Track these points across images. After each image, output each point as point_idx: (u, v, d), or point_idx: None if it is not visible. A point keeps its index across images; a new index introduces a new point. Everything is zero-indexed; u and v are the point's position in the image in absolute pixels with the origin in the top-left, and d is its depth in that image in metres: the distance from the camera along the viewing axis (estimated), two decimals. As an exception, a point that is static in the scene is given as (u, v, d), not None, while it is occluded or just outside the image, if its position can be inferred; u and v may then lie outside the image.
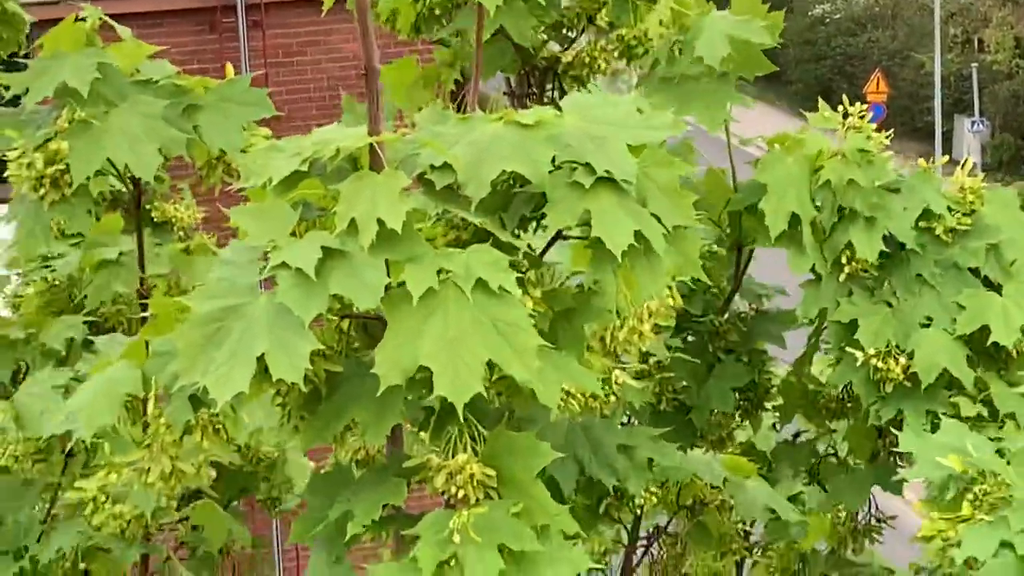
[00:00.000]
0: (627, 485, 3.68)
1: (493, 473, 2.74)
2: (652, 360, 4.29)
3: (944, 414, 3.74)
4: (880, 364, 3.81)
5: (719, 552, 4.81)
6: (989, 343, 3.84)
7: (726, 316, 4.44)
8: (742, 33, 4.06)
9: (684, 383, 4.33)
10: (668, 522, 4.88)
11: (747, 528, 5.03)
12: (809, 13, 41.85)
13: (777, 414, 4.59)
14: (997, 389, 3.84)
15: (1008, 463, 3.05)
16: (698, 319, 4.38)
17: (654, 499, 3.94)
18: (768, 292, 4.51)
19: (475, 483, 2.73)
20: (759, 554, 4.98)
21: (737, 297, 4.52)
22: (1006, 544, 2.84)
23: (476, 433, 2.76)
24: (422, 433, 2.84)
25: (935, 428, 3.66)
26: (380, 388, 2.63)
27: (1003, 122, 33.99)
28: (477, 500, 2.73)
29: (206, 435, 2.81)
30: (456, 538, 2.69)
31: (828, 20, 41.45)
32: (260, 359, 2.58)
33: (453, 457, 2.74)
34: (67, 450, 3.76)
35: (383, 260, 2.61)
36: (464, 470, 2.73)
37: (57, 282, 4.34)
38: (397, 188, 2.61)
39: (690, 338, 4.41)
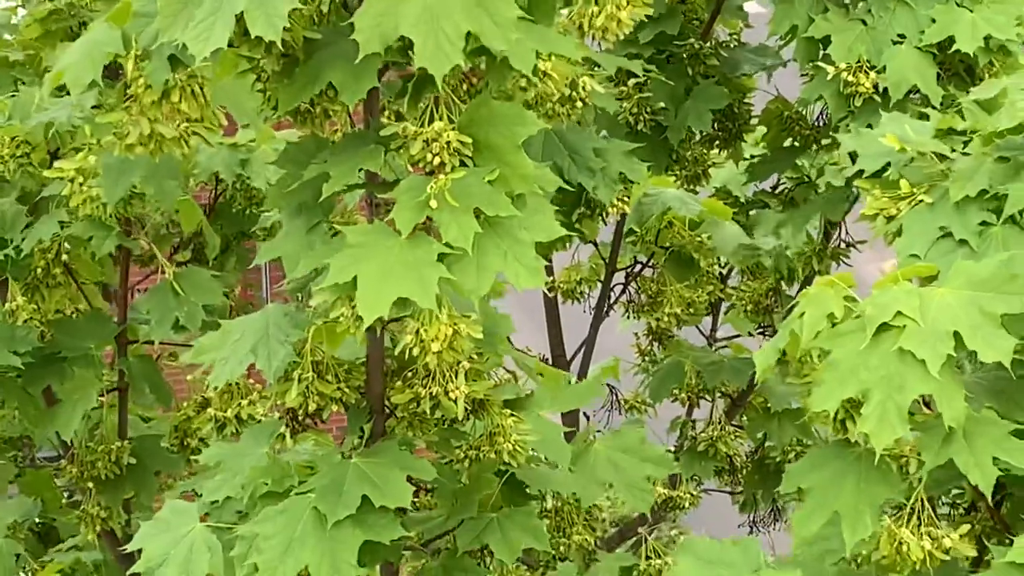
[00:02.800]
0: (598, 194, 3.77)
1: (469, 140, 2.80)
2: (632, 81, 4.34)
3: (914, 132, 3.82)
4: (851, 78, 3.88)
5: (695, 285, 4.92)
6: (960, 62, 3.91)
7: (708, 42, 4.47)
8: None
9: (662, 105, 4.38)
10: (647, 261, 4.98)
11: (723, 270, 5.14)
12: None
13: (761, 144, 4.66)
14: (967, 104, 3.90)
15: (953, 149, 3.05)
16: (678, 42, 4.41)
17: (625, 208, 4.01)
18: (746, 16, 4.53)
19: (451, 150, 2.79)
20: (732, 291, 5.10)
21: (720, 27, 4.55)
22: (945, 231, 2.86)
23: (452, 102, 2.81)
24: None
25: (904, 139, 3.73)
26: (359, 55, 2.68)
27: None
28: (453, 167, 2.80)
29: (184, 96, 2.86)
30: (433, 203, 2.76)
31: None
32: (239, 17, 2.62)
33: (430, 124, 2.80)
34: (54, 152, 3.81)
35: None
36: (441, 137, 2.79)
37: (58, 8, 4.33)
38: None
39: (669, 62, 4.45)
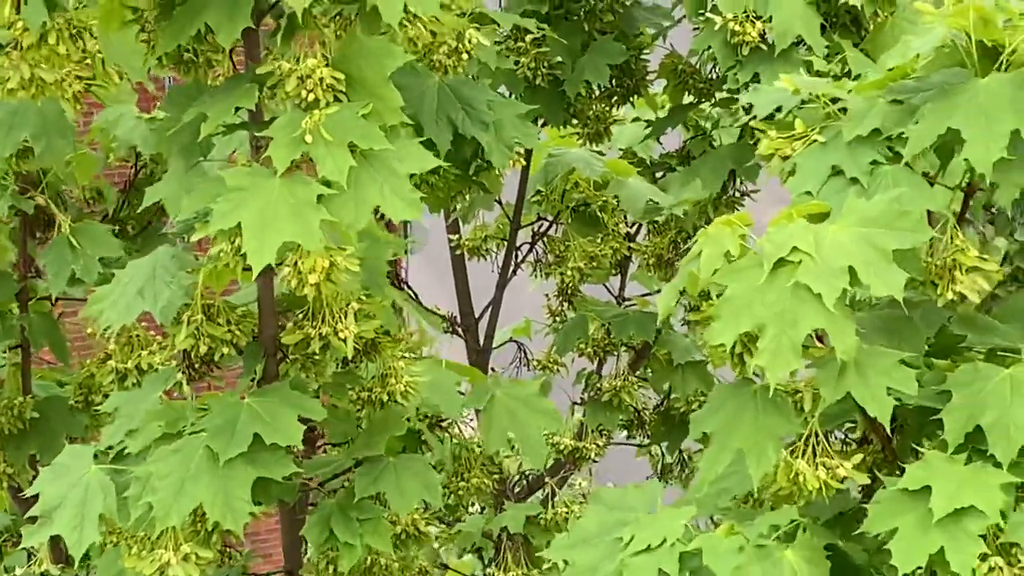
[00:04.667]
0: (491, 158, 3.81)
1: (342, 76, 2.87)
2: (529, 37, 4.40)
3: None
4: (738, 28, 3.95)
5: (599, 239, 4.98)
6: (844, 10, 4.00)
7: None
8: None
9: (559, 59, 4.45)
10: (553, 221, 5.05)
11: (630, 229, 5.20)
12: None
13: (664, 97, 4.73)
14: (851, 54, 4.00)
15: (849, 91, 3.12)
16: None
17: (521, 161, 4.08)
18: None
19: (324, 86, 2.86)
20: (637, 247, 5.16)
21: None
22: (837, 169, 2.91)
23: (325, 40, 2.88)
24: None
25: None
26: (230, -6, 2.75)
27: None
28: (327, 103, 2.86)
29: (62, 39, 2.91)
30: (308, 138, 2.83)
31: None
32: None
33: (303, 62, 2.86)
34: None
35: None
36: (314, 73, 2.85)
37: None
38: None
39: (567, 18, 4.51)
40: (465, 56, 3.61)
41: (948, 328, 2.98)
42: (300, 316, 3.22)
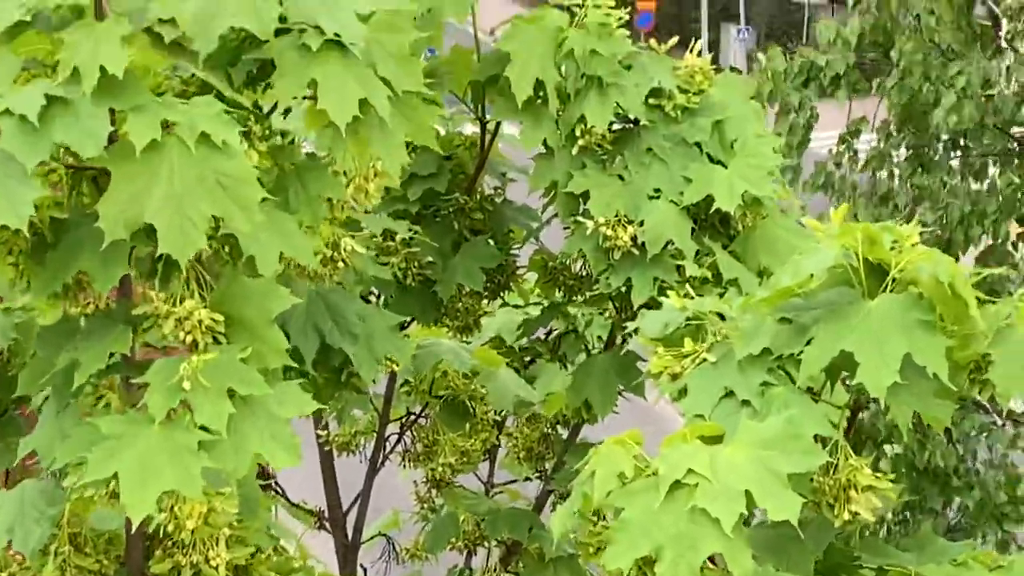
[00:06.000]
0: (360, 371, 3.76)
1: (221, 318, 2.82)
2: (399, 237, 4.38)
3: (677, 281, 3.93)
4: (610, 232, 3.97)
5: (469, 434, 4.95)
6: (715, 214, 4.04)
7: (474, 197, 4.54)
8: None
9: (430, 259, 4.43)
10: (421, 411, 5.01)
11: (498, 417, 5.19)
12: (580, -78, 41.89)
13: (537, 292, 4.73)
14: (722, 257, 4.04)
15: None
16: (444, 197, 4.48)
17: (395, 367, 4.03)
18: (511, 170, 4.62)
19: (203, 328, 2.80)
20: (506, 437, 5.14)
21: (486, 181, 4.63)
22: (728, 391, 2.93)
23: (203, 280, 2.83)
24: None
25: (661, 292, 3.85)
26: (105, 242, 2.68)
27: (768, 30, 34.57)
28: (206, 345, 2.81)
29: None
30: (186, 384, 2.76)
31: (598, -71, 41.46)
32: (-15, 202, 2.61)
33: (181, 303, 2.80)
34: None
35: (107, 109, 2.66)
36: (192, 315, 2.80)
37: None
38: (119, 35, 2.65)
39: (437, 217, 4.51)
40: (341, 265, 3.58)
41: (836, 546, 3.00)
42: (170, 544, 3.13)
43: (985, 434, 9.52)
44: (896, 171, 10.35)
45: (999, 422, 9.59)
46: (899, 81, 9.83)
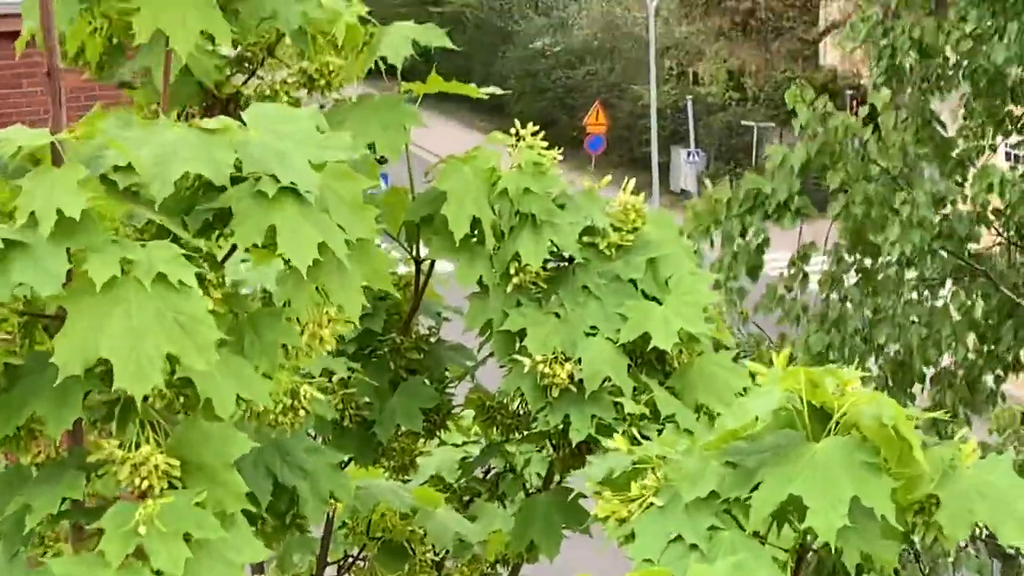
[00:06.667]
0: (305, 510, 3.75)
1: (177, 463, 2.81)
2: (336, 378, 4.38)
3: (615, 419, 3.97)
4: (547, 370, 3.99)
5: (407, 571, 4.92)
6: (651, 351, 4.09)
7: (409, 336, 4.56)
8: (421, 37, 4.20)
9: (367, 400, 4.43)
10: (359, 553, 4.97)
11: (437, 558, 5.16)
12: (529, 46, 42.65)
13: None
14: (659, 394, 4.08)
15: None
16: (380, 337, 4.50)
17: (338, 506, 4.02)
18: (445, 310, 4.65)
19: (159, 473, 2.79)
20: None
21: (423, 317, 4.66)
22: (676, 535, 2.94)
23: (159, 424, 2.82)
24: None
25: (599, 430, 3.88)
26: (59, 377, 2.67)
27: (718, 152, 35.14)
28: (162, 490, 2.79)
29: None
30: (142, 529, 2.74)
31: (548, 53, 42.20)
32: (-62, 351, 2.60)
33: (137, 449, 2.79)
34: None
35: (64, 249, 2.67)
36: (148, 461, 2.79)
37: None
38: (75, 179, 2.67)
39: (373, 357, 4.52)
40: (302, 413, 3.57)
41: None
42: None
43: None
44: (848, 295, 10.42)
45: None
46: (844, 208, 9.94)
